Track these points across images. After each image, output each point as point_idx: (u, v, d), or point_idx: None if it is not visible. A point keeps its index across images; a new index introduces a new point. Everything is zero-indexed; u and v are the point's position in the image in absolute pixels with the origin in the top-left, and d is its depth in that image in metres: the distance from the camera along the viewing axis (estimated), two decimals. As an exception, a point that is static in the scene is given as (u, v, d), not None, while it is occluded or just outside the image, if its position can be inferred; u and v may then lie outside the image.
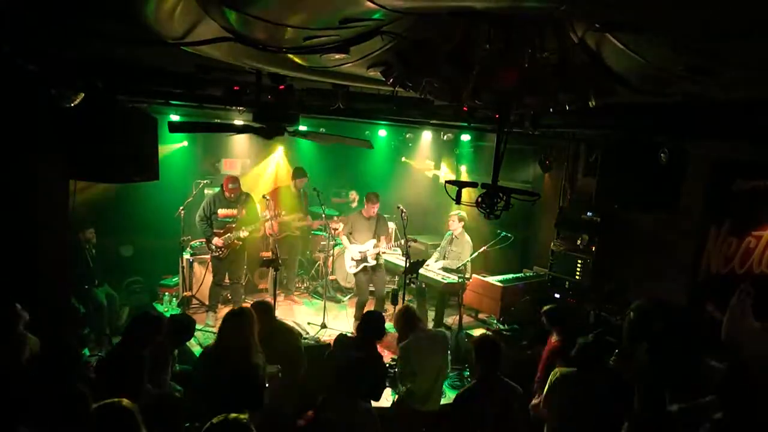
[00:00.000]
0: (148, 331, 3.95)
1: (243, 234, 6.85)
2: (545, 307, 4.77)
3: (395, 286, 7.72)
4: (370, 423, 3.42)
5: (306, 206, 8.20)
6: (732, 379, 3.47)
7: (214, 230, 6.79)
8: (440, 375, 4.55)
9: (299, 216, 8.02)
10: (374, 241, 7.08)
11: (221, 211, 6.86)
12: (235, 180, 6.90)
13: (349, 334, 5.07)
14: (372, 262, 7.06)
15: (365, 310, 5.10)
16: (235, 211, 6.92)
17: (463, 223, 7.31)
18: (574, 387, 3.73)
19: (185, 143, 8.50)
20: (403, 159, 10.08)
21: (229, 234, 6.79)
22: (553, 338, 4.63)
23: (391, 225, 8.23)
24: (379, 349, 4.80)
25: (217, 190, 7.12)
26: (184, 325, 4.50)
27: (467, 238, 7.28)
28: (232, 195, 6.85)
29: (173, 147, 8.21)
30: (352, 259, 7.14)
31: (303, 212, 8.10)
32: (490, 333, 5.79)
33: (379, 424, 3.48)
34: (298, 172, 8.04)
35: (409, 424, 4.41)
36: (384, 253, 7.23)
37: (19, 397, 2.99)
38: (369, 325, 4.34)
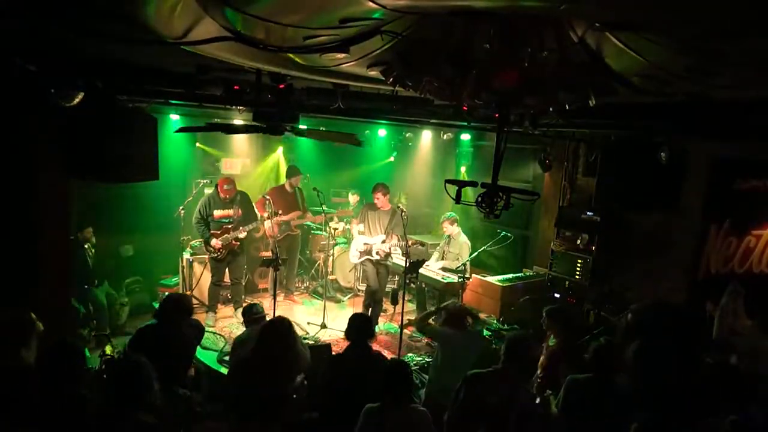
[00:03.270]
0: (181, 308, 4.12)
1: (241, 235, 6.84)
2: (547, 307, 4.74)
3: (395, 286, 7.72)
4: (427, 423, 3.40)
5: (303, 203, 8.19)
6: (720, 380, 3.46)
7: (212, 231, 6.77)
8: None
9: (297, 214, 8.02)
10: (383, 236, 6.95)
11: (217, 212, 6.83)
12: (229, 181, 6.85)
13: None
14: (375, 257, 7.03)
15: (354, 312, 5.08)
16: (231, 212, 6.90)
17: (456, 224, 7.31)
18: (588, 392, 3.64)
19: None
20: (392, 158, 10.10)
21: (226, 235, 6.78)
22: (550, 340, 4.61)
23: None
24: (378, 348, 4.80)
25: (213, 191, 7.11)
26: (198, 328, 4.59)
27: (464, 238, 7.29)
28: (227, 196, 6.83)
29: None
30: (357, 250, 7.09)
31: (300, 209, 8.10)
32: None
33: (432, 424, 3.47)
34: (291, 171, 8.03)
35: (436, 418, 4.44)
36: (392, 249, 7.10)
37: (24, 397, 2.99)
38: (357, 326, 4.22)
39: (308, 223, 8.49)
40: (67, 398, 2.99)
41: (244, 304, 7.35)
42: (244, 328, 4.98)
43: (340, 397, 4.00)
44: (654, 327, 4.32)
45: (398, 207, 6.81)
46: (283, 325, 4.04)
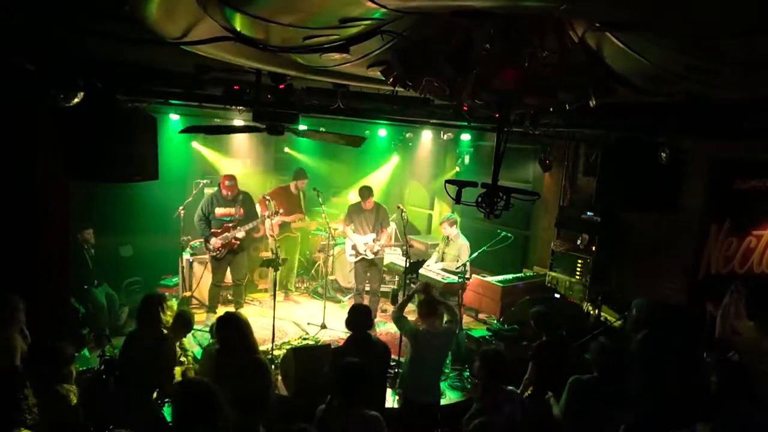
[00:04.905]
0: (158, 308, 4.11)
1: (239, 234, 6.82)
2: (532, 309, 4.80)
3: (395, 286, 7.72)
4: (379, 427, 3.33)
5: (304, 206, 8.21)
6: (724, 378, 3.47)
7: (213, 230, 6.77)
8: (440, 370, 4.58)
9: (298, 216, 8.03)
10: (374, 235, 7.14)
11: (218, 211, 6.83)
12: (231, 178, 6.88)
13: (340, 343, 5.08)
14: (370, 256, 7.12)
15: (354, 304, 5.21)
16: (232, 210, 6.90)
17: (455, 226, 7.31)
18: (592, 392, 3.63)
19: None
20: (396, 158, 10.10)
21: (226, 233, 6.77)
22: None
23: (392, 225, 8.24)
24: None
25: (215, 189, 7.11)
26: (186, 319, 4.60)
27: (463, 240, 7.26)
28: (229, 193, 6.83)
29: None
30: (352, 248, 7.27)
31: (301, 212, 8.11)
32: (492, 344, 5.80)
33: (385, 429, 3.40)
34: (299, 173, 8.03)
35: (409, 415, 4.46)
36: (382, 248, 7.27)
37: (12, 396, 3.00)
38: (355, 317, 4.33)
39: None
40: (54, 399, 3.01)
41: (241, 308, 7.40)
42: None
43: None
44: (657, 323, 4.34)
45: (398, 207, 6.84)
46: (238, 317, 4.08)
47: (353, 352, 4.17)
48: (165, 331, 4.25)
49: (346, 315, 4.34)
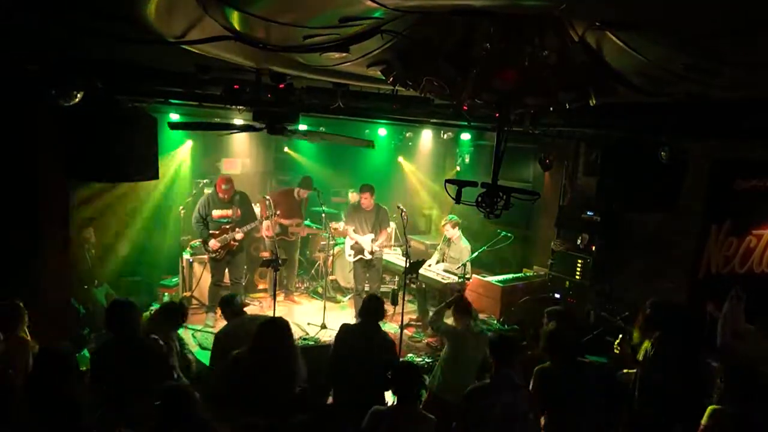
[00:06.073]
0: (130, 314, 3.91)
1: (238, 236, 6.82)
2: (548, 309, 4.78)
3: (395, 286, 7.72)
4: (429, 426, 3.42)
5: (304, 212, 8.21)
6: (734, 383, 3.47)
7: (210, 231, 6.76)
8: (473, 375, 4.61)
9: (296, 221, 8.03)
10: (372, 235, 7.16)
11: (216, 212, 6.81)
12: (228, 180, 6.83)
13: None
14: (368, 256, 7.15)
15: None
16: (230, 212, 6.87)
17: (458, 227, 7.31)
18: (550, 379, 3.72)
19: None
20: (400, 159, 10.10)
21: (225, 235, 6.76)
22: None
23: (392, 225, 8.24)
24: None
25: (212, 190, 7.10)
26: (175, 308, 4.52)
27: (465, 242, 7.25)
28: (226, 196, 6.82)
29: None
30: (351, 248, 7.32)
31: (300, 218, 8.13)
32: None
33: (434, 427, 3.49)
34: (305, 182, 8.01)
35: (433, 410, 4.46)
36: (380, 249, 7.29)
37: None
38: (370, 307, 4.38)
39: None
40: (59, 404, 3.01)
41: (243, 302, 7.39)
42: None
43: (344, 365, 4.19)
44: (668, 324, 4.34)
45: (398, 207, 6.83)
46: (284, 324, 4.06)
47: (357, 336, 4.29)
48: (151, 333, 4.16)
49: (346, 315, 4.36)
